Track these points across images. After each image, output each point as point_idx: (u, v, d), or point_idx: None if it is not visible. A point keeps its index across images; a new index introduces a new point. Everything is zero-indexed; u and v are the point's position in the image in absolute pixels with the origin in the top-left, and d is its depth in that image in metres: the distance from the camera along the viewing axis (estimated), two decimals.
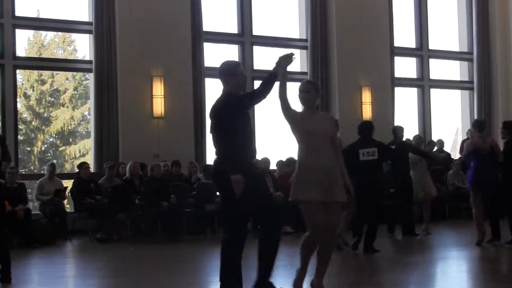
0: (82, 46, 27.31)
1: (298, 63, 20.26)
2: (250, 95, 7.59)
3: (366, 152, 12.16)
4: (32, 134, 28.76)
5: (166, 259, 12.22)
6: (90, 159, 19.04)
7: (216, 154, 7.32)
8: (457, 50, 23.30)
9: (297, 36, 20.52)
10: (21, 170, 19.88)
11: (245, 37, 19.62)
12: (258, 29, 19.89)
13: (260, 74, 19.34)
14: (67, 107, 28.95)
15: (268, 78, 7.64)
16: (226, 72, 7.43)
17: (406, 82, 22.19)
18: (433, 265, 11.03)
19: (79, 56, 26.43)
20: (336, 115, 18.99)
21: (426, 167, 15.23)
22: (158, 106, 17.70)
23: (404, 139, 15.14)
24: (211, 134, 7.33)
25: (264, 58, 19.80)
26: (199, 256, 12.79)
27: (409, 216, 14.76)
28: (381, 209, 12.55)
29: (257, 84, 19.15)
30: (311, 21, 19.98)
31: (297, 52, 20.40)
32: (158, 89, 17.71)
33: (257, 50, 19.82)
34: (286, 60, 7.63)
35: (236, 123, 7.16)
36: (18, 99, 18.83)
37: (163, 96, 17.71)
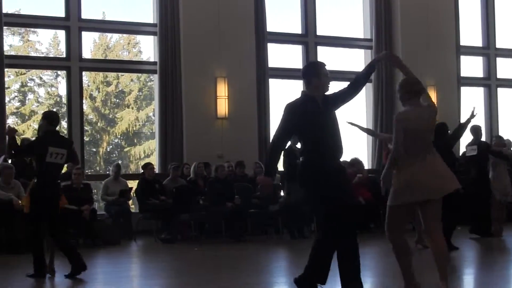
0: (147, 48, 27.57)
1: (362, 63, 20.11)
2: (349, 87, 7.47)
3: None
4: (98, 135, 29.11)
5: (230, 259, 12.21)
6: (154, 159, 19.17)
7: (301, 153, 7.36)
8: None
9: (361, 36, 20.39)
10: (87, 171, 20.11)
11: (309, 38, 19.54)
12: (322, 29, 19.80)
13: None
14: (132, 108, 29.23)
15: (368, 68, 7.68)
16: (309, 72, 7.36)
17: (472, 82, 21.86)
18: (506, 267, 10.81)
19: (144, 57, 26.71)
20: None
21: (506, 168, 15.00)
22: (222, 107, 17.73)
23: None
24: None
25: (329, 59, 19.73)
26: (263, 257, 12.76)
27: (479, 217, 14.51)
28: (454, 209, 12.32)
29: None
30: (375, 21, 19.82)
31: (361, 52, 20.29)
32: (222, 90, 17.74)
33: (321, 51, 19.73)
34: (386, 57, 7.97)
35: (296, 124, 7.18)
36: (84, 101, 19.04)
37: (227, 97, 17.73)
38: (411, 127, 7.15)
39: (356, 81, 7.45)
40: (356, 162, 16.71)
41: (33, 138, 11.68)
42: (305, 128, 7.18)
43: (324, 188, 7.06)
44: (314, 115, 7.17)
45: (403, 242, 7.24)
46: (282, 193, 16.36)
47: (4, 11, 16.47)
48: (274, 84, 18.60)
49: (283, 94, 18.95)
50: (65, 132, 18.09)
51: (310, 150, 7.18)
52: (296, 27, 19.76)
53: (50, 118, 9.97)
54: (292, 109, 7.22)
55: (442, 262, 7.03)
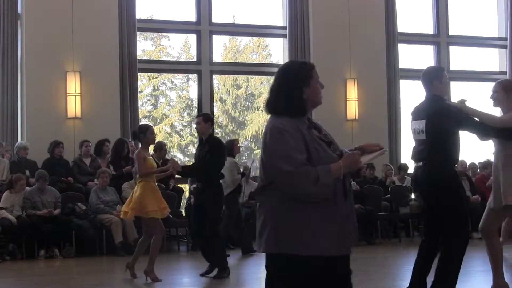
0: (276, 50, 27.62)
1: (497, 62, 19.58)
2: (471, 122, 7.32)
3: None
4: (228, 138, 29.39)
5: (361, 262, 12.08)
6: None
7: (429, 156, 7.13)
8: None
9: (495, 35, 19.83)
10: None
11: (440, 37, 19.15)
12: (454, 29, 19.38)
13: (456, 75, 18.83)
14: (261, 110, 29.37)
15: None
16: (432, 75, 7.24)
17: None
18: None
19: (273, 60, 26.76)
20: None
21: None
22: (352, 109, 17.59)
23: None
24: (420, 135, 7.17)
25: (461, 59, 19.29)
26: (392, 260, 12.60)
27: None
28: None
29: (454, 85, 18.73)
30: (510, 18, 19.22)
31: (495, 52, 19.75)
32: (352, 91, 17.60)
33: (454, 50, 19.30)
34: None
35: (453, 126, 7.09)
36: (214, 104, 19.26)
37: (356, 99, 17.58)
38: None
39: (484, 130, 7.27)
40: (488, 164, 16.24)
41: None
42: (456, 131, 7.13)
43: (457, 195, 7.01)
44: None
45: None
46: (412, 196, 16.10)
47: (137, 17, 16.85)
48: (405, 85, 18.33)
49: (415, 95, 18.64)
50: (196, 135, 18.34)
51: (444, 155, 7.02)
52: (427, 27, 19.42)
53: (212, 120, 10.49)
54: (451, 111, 7.13)
55: None
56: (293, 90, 4.39)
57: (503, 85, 7.44)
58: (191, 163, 11.34)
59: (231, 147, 13.80)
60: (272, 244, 4.31)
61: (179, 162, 14.26)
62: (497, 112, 7.56)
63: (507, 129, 7.11)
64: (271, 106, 4.47)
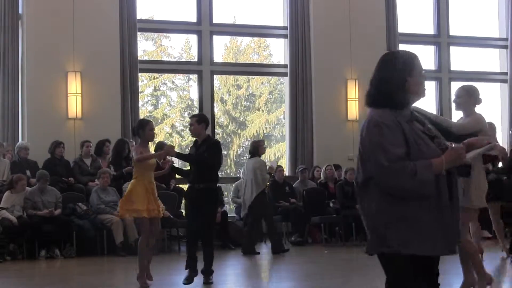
0: (277, 51, 27.57)
1: (498, 63, 19.57)
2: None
3: None
4: (228, 138, 29.38)
5: (361, 263, 12.07)
6: (285, 162, 19.20)
7: None
8: None
9: (496, 35, 19.82)
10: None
11: (441, 38, 19.14)
12: (455, 29, 19.37)
13: (457, 75, 18.82)
14: (262, 111, 29.35)
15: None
16: None
17: None
18: None
19: (274, 60, 26.74)
20: None
21: None
22: (352, 109, 17.58)
23: None
24: None
25: (461, 59, 19.28)
26: None
27: None
28: None
29: (455, 85, 18.69)
30: (511, 19, 19.22)
31: (496, 52, 19.73)
32: (353, 91, 17.58)
33: (454, 51, 19.29)
34: None
35: None
36: (215, 104, 19.25)
37: (357, 99, 17.55)
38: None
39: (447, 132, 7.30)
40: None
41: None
42: None
43: None
44: None
45: None
46: None
47: (138, 17, 16.84)
48: None
49: None
50: None
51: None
52: (428, 28, 19.41)
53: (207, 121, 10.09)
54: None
55: None
56: (395, 81, 4.23)
57: (466, 90, 7.61)
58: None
59: (257, 148, 13.83)
60: (376, 243, 4.23)
61: (178, 165, 14.28)
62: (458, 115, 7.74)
63: (467, 135, 7.27)
64: (371, 98, 4.31)
